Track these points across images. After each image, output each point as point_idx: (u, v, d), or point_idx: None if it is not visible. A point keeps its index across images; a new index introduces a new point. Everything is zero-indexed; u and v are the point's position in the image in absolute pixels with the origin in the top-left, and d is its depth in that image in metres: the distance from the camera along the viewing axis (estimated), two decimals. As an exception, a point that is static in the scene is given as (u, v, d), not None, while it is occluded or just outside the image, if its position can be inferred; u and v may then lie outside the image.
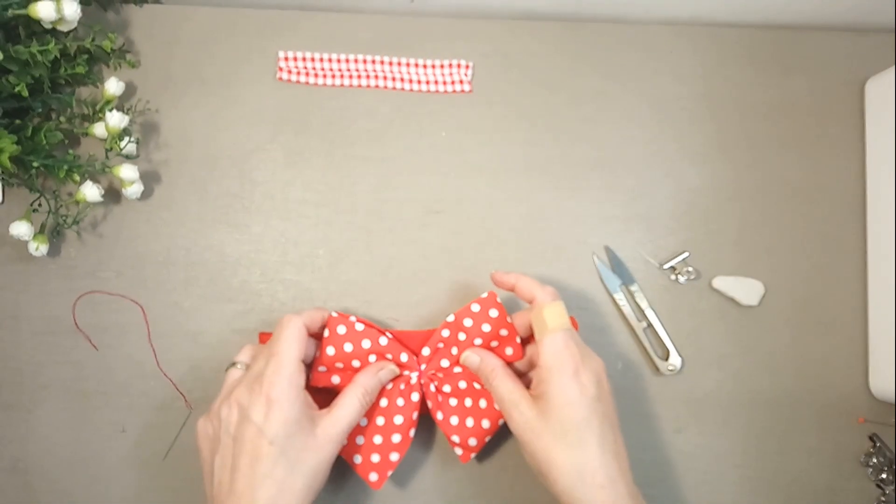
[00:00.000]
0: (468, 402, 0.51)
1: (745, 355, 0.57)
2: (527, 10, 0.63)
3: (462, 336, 0.50)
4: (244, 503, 0.42)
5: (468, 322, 0.50)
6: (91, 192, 0.53)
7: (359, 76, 0.58)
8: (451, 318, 0.51)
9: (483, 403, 0.50)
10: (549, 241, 0.58)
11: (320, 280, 0.56)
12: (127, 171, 0.54)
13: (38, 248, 0.54)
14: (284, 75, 0.58)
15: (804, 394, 0.57)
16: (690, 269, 0.57)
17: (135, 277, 0.56)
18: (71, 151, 0.55)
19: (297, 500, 0.43)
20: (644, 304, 0.56)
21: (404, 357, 0.50)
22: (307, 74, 0.58)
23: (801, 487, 0.55)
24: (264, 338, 0.54)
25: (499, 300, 0.51)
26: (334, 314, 0.49)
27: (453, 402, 0.51)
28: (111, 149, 0.54)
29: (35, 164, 0.52)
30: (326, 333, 0.49)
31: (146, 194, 0.57)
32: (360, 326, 0.49)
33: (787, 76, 0.61)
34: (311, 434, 0.44)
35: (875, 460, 0.55)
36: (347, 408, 0.46)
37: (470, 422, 0.50)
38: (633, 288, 0.57)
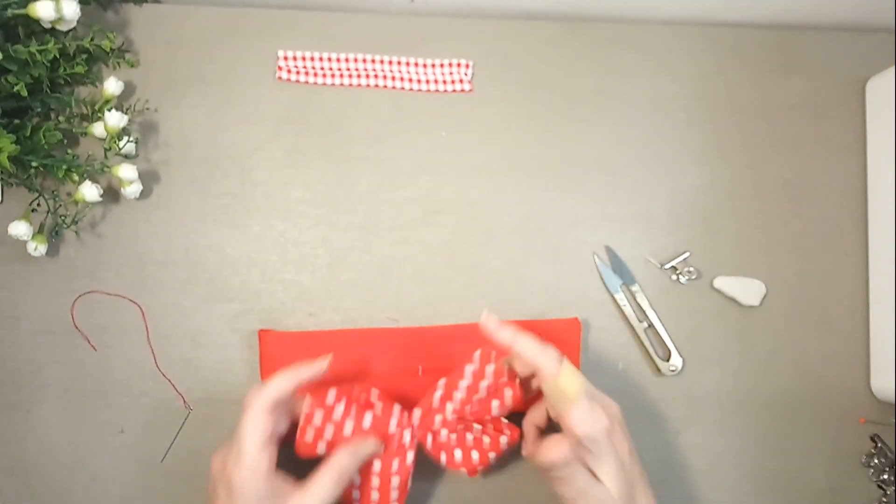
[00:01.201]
0: (469, 438, 0.49)
1: (746, 355, 0.57)
2: (526, 10, 0.63)
3: (458, 395, 0.48)
4: None
5: (464, 383, 0.48)
6: (90, 191, 0.53)
7: (358, 76, 0.58)
8: (441, 383, 0.49)
9: (487, 440, 0.49)
10: (550, 241, 0.58)
11: (320, 280, 0.56)
12: (126, 171, 0.53)
13: (37, 248, 0.53)
14: (284, 75, 0.58)
15: (805, 394, 0.57)
16: (691, 269, 0.57)
17: (134, 277, 0.56)
18: (70, 151, 0.55)
19: None
20: (645, 305, 0.56)
21: (394, 423, 0.47)
22: (307, 74, 0.58)
23: (801, 487, 0.55)
24: (263, 336, 0.53)
25: (493, 355, 0.48)
26: (307, 402, 0.46)
27: (453, 437, 0.49)
28: (110, 148, 0.54)
29: (34, 164, 0.52)
30: (302, 421, 0.46)
31: (145, 194, 0.56)
32: (339, 409, 0.46)
33: (788, 76, 0.61)
34: None
35: (876, 461, 0.55)
36: (320, 490, 0.44)
37: (475, 455, 0.49)
38: (634, 288, 0.57)
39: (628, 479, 0.44)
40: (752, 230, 0.59)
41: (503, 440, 0.49)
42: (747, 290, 0.57)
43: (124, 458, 0.54)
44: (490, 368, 0.48)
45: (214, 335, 0.55)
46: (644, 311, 0.56)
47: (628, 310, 0.56)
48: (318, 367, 0.47)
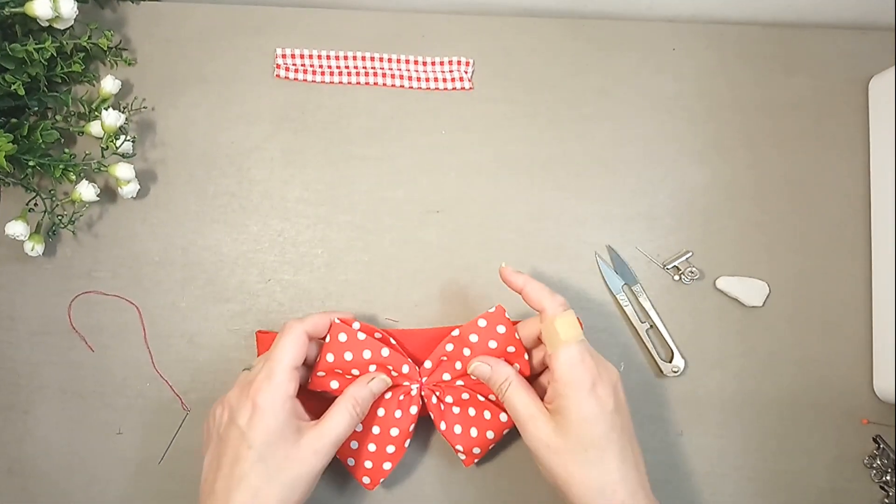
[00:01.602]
0: (472, 412, 0.50)
1: (749, 356, 0.56)
2: (528, 8, 0.63)
3: (467, 351, 0.49)
4: None
5: (474, 338, 0.48)
6: (87, 191, 0.53)
7: (357, 73, 0.58)
8: (455, 333, 0.49)
9: (487, 414, 0.50)
10: (551, 241, 0.57)
11: (319, 280, 0.56)
12: (123, 170, 0.53)
13: (34, 248, 0.53)
14: (282, 73, 0.58)
15: (808, 395, 0.56)
16: (693, 269, 0.57)
17: (131, 278, 0.55)
18: (67, 150, 0.55)
19: None
20: (647, 305, 0.56)
21: (406, 368, 0.49)
22: (305, 72, 0.58)
23: (803, 488, 0.55)
24: (261, 336, 0.53)
25: (507, 315, 0.49)
26: (337, 320, 0.49)
27: (456, 410, 0.50)
28: (107, 147, 0.53)
29: (31, 164, 0.52)
30: (328, 339, 0.48)
31: (142, 193, 0.56)
32: (361, 335, 0.48)
33: (790, 74, 0.61)
34: (294, 445, 0.44)
35: (878, 462, 0.55)
36: (336, 420, 0.45)
37: (474, 431, 0.49)
38: (636, 288, 0.56)
39: (598, 435, 0.43)
40: (755, 230, 0.58)
41: (503, 417, 0.50)
42: (750, 290, 0.57)
43: (122, 459, 0.53)
44: (501, 329, 0.48)
45: (212, 336, 0.55)
46: (646, 312, 0.56)
47: (630, 310, 0.56)
48: (348, 315, 0.50)
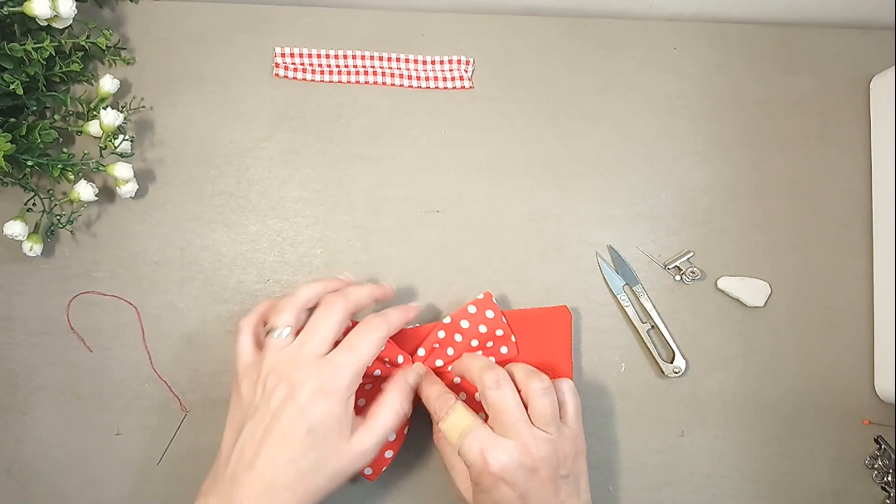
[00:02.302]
0: (463, 396, 0.51)
1: (751, 357, 0.56)
2: (528, 7, 0.62)
3: (458, 337, 0.50)
4: (260, 483, 0.41)
5: (465, 323, 0.50)
6: (85, 191, 0.53)
7: (356, 72, 0.58)
8: (447, 320, 0.51)
9: (479, 397, 0.50)
10: (551, 241, 0.57)
11: (318, 280, 0.56)
12: (121, 170, 0.53)
13: (33, 248, 0.53)
14: (281, 72, 0.58)
15: (809, 395, 0.56)
16: (695, 269, 0.56)
17: (129, 278, 0.55)
18: (65, 150, 0.55)
19: (310, 498, 0.41)
20: (648, 305, 0.56)
21: (400, 359, 0.50)
22: (304, 71, 0.58)
23: (805, 489, 0.55)
24: None
25: (494, 301, 0.51)
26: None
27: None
28: (105, 147, 0.53)
29: (29, 163, 0.52)
30: None
31: (141, 193, 0.56)
32: None
33: (792, 73, 0.61)
34: (346, 440, 0.43)
35: (880, 462, 0.55)
36: (384, 421, 0.45)
37: None
38: (637, 288, 0.56)
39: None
40: (757, 230, 0.58)
41: None
42: (752, 290, 0.56)
43: (121, 460, 0.53)
44: (490, 314, 0.50)
45: (211, 336, 0.55)
46: (647, 312, 0.56)
47: (631, 310, 0.56)
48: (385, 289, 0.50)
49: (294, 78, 0.58)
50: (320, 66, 0.58)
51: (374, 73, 0.58)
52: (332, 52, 0.58)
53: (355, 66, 0.58)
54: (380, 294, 0.49)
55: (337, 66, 0.58)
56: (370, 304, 0.48)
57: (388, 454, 0.50)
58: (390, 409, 0.45)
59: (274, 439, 0.41)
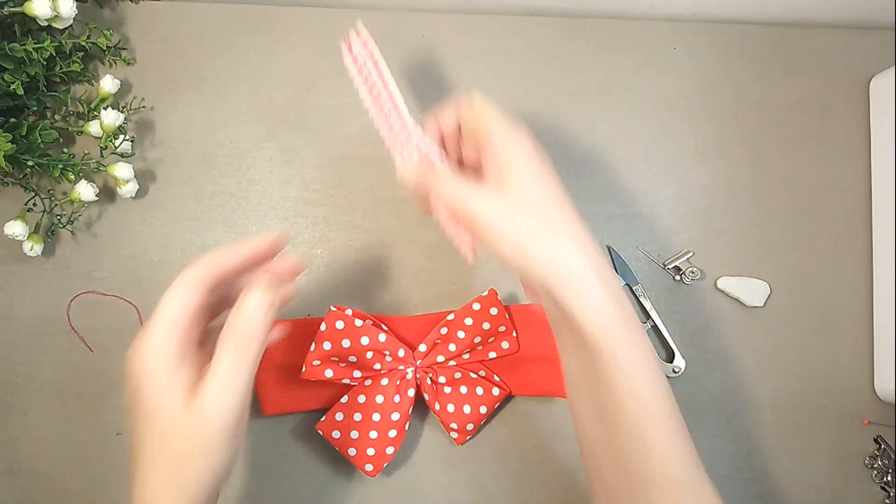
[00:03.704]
0: (463, 390, 0.51)
1: (750, 356, 0.56)
2: (528, 6, 0.63)
3: (461, 334, 0.51)
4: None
5: (468, 321, 0.51)
6: (86, 191, 0.53)
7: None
8: (451, 317, 0.51)
9: (479, 390, 0.51)
10: (551, 241, 0.57)
11: (318, 281, 0.56)
12: (122, 170, 0.53)
13: (33, 248, 0.53)
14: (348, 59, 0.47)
15: (809, 395, 0.56)
16: (695, 269, 0.56)
17: (130, 278, 0.55)
18: (66, 150, 0.55)
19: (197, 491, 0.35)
20: (648, 305, 0.56)
21: (402, 353, 0.50)
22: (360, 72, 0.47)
23: (805, 489, 0.55)
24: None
25: (499, 298, 0.51)
26: (333, 308, 0.49)
27: (448, 390, 0.51)
28: (106, 147, 0.53)
29: (30, 163, 0.52)
30: (324, 327, 0.49)
31: (141, 193, 0.56)
32: (359, 322, 0.49)
33: (792, 74, 0.61)
34: (182, 413, 0.35)
35: (879, 462, 0.55)
36: (223, 372, 0.36)
37: (467, 408, 0.51)
38: (637, 288, 0.56)
39: (561, 192, 0.38)
40: (756, 230, 0.58)
41: (495, 391, 0.51)
42: (751, 290, 0.56)
43: (121, 460, 0.53)
44: (493, 311, 0.50)
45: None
46: (647, 312, 0.56)
47: (630, 310, 0.56)
48: (262, 241, 0.40)
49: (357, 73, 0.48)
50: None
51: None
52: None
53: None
54: (247, 248, 0.40)
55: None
56: (238, 256, 0.40)
57: (389, 450, 0.50)
58: (227, 353, 0.36)
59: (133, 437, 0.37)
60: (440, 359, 0.51)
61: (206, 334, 0.40)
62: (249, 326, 0.37)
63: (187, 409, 0.35)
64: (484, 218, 0.36)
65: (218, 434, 0.35)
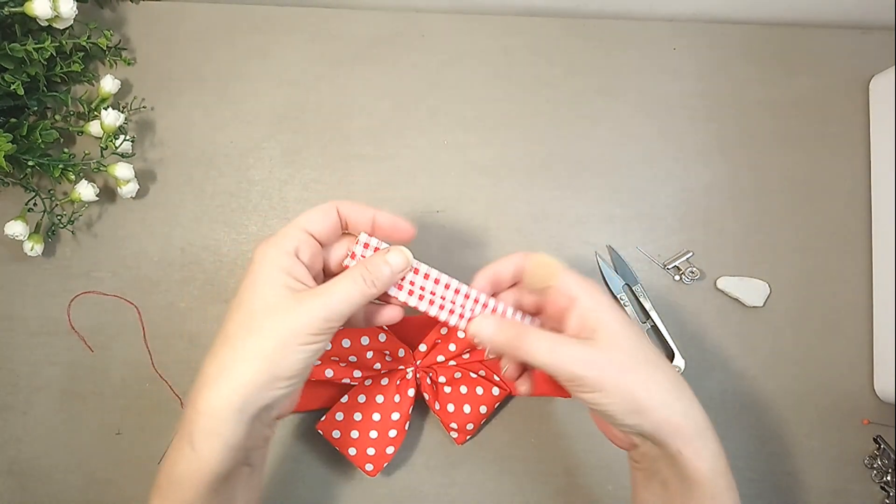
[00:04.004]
0: (463, 390, 0.51)
1: (750, 357, 0.56)
2: (528, 6, 0.63)
3: (461, 333, 0.51)
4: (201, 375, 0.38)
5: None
6: (86, 191, 0.53)
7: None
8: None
9: (479, 390, 0.51)
10: (551, 241, 0.57)
11: (318, 280, 0.56)
12: (122, 170, 0.53)
13: (34, 248, 0.53)
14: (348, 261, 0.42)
15: (808, 395, 0.56)
16: (694, 269, 0.56)
17: (130, 278, 0.55)
18: (66, 150, 0.55)
19: (272, 371, 0.36)
20: (648, 305, 0.56)
21: (402, 353, 0.50)
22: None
23: (804, 489, 0.55)
24: None
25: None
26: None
27: (448, 390, 0.51)
28: (106, 147, 0.53)
29: (30, 163, 0.52)
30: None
31: (141, 193, 0.56)
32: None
33: (791, 74, 0.61)
34: (287, 311, 0.37)
35: (879, 462, 0.55)
36: (342, 289, 0.38)
37: (467, 408, 0.51)
38: (637, 288, 0.56)
39: (645, 342, 0.39)
40: (756, 230, 0.58)
41: (495, 391, 0.51)
42: (751, 290, 0.56)
43: (121, 459, 0.53)
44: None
45: (212, 336, 0.54)
46: (647, 312, 0.56)
47: (631, 310, 0.56)
48: (399, 222, 0.42)
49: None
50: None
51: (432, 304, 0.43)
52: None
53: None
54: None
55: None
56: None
57: (390, 450, 0.50)
58: (353, 278, 0.38)
59: (229, 312, 0.38)
60: (440, 358, 0.51)
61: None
62: (381, 267, 0.39)
63: (300, 308, 0.36)
64: (586, 372, 0.37)
65: (315, 345, 0.37)
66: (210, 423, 0.36)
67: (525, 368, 0.44)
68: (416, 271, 0.42)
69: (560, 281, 0.40)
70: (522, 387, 0.44)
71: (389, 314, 0.43)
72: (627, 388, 0.37)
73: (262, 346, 0.36)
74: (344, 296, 0.37)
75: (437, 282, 0.42)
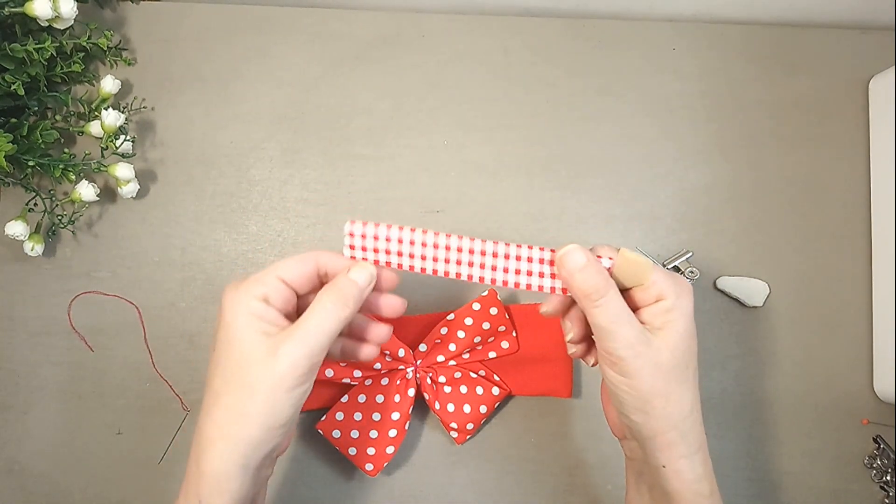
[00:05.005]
0: (463, 390, 0.51)
1: (749, 356, 0.56)
2: (528, 6, 0.63)
3: (461, 333, 0.51)
4: (198, 437, 0.38)
5: (468, 321, 0.51)
6: (86, 191, 0.53)
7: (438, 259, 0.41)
8: (451, 317, 0.51)
9: (479, 390, 0.51)
10: (551, 241, 0.57)
11: (319, 280, 0.56)
12: (122, 170, 0.53)
13: (34, 248, 0.53)
14: (347, 251, 0.41)
15: (808, 395, 0.56)
16: (694, 269, 0.56)
17: (130, 278, 0.55)
18: (66, 150, 0.55)
19: (258, 436, 0.36)
20: (646, 305, 0.56)
21: (402, 352, 0.50)
22: (377, 251, 0.41)
23: (804, 489, 0.55)
24: None
25: (499, 298, 0.51)
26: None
27: (448, 390, 0.51)
28: (107, 147, 0.53)
29: (31, 163, 0.52)
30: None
31: (142, 193, 0.56)
32: None
33: (791, 74, 0.61)
34: (265, 357, 0.36)
35: (879, 462, 0.55)
36: (317, 320, 0.37)
37: (467, 408, 0.51)
38: (635, 288, 0.56)
39: (693, 350, 0.40)
40: (756, 230, 0.58)
41: (495, 391, 0.52)
42: (750, 290, 0.57)
43: (122, 459, 0.53)
44: (493, 311, 0.51)
45: (212, 336, 0.55)
46: (646, 312, 0.56)
47: (630, 310, 0.56)
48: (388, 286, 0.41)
49: (364, 258, 0.41)
50: (399, 251, 0.41)
51: (459, 263, 0.41)
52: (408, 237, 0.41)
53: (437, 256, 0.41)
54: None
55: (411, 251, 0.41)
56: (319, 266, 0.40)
57: (390, 450, 0.50)
58: (324, 304, 0.37)
59: (210, 367, 0.38)
60: (440, 358, 0.51)
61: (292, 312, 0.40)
62: (350, 287, 0.38)
63: (279, 353, 0.36)
64: (631, 358, 0.37)
65: (301, 386, 0.36)
66: (217, 484, 0.36)
67: (586, 337, 0.42)
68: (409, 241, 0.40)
69: (651, 280, 0.39)
70: (591, 359, 0.43)
71: (367, 352, 0.42)
72: (652, 390, 0.38)
73: (252, 403, 0.36)
74: (319, 327, 0.37)
75: (436, 246, 0.40)
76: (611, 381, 0.39)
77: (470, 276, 0.40)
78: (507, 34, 0.60)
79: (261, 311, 0.37)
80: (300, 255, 0.39)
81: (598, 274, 0.37)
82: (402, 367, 0.51)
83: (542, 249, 0.39)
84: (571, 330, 0.42)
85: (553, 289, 0.39)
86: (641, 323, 0.39)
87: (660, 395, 0.38)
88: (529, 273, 0.39)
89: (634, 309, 0.39)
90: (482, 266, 0.39)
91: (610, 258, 0.38)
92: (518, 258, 0.39)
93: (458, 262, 0.40)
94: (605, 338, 0.38)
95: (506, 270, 0.39)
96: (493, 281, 0.39)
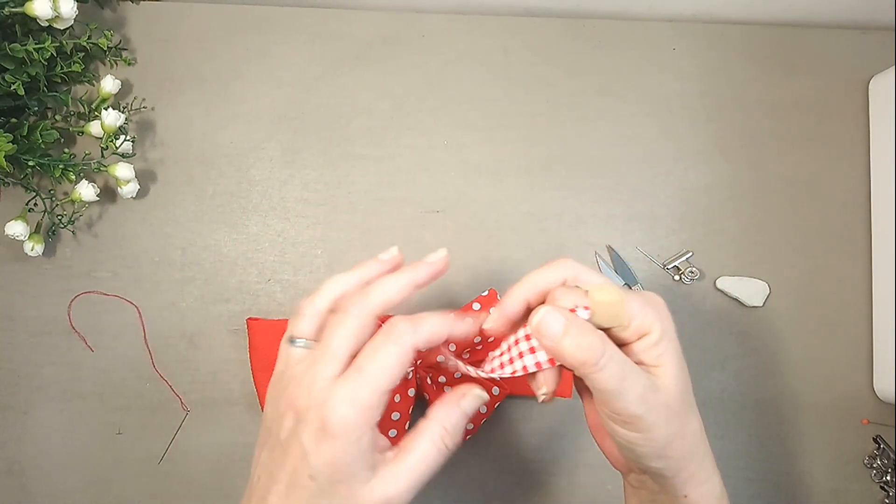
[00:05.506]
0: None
1: (749, 356, 0.56)
2: (528, 6, 0.63)
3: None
4: None
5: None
6: (86, 191, 0.53)
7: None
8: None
9: None
10: (551, 241, 0.57)
11: (318, 280, 0.56)
12: (122, 170, 0.53)
13: (34, 248, 0.53)
14: None
15: (808, 395, 0.56)
16: (694, 269, 0.56)
17: (130, 278, 0.55)
18: (67, 150, 0.55)
19: None
20: (646, 305, 0.56)
21: None
22: None
23: (804, 489, 0.55)
24: (252, 324, 0.53)
25: (499, 298, 0.51)
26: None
27: (448, 390, 0.51)
28: (107, 147, 0.53)
29: (31, 163, 0.52)
30: None
31: (142, 193, 0.56)
32: None
33: (791, 74, 0.61)
34: (364, 485, 0.33)
35: (879, 462, 0.55)
36: (418, 456, 0.34)
37: None
38: (636, 288, 0.56)
39: (689, 383, 0.37)
40: (756, 230, 0.58)
41: (495, 391, 0.52)
42: (750, 290, 0.57)
43: (122, 459, 0.53)
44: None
45: (212, 336, 0.55)
46: (646, 312, 0.56)
47: (630, 310, 0.56)
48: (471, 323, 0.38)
49: None
50: None
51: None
52: None
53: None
54: (424, 276, 0.39)
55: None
56: (407, 295, 0.38)
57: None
58: (427, 441, 0.34)
59: (282, 476, 0.35)
60: (440, 359, 0.51)
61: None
62: (460, 424, 0.36)
63: (374, 483, 0.33)
64: (647, 413, 0.34)
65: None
66: None
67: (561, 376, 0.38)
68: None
69: (629, 319, 0.35)
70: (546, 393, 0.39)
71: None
72: (670, 434, 0.35)
73: None
74: (424, 464, 0.34)
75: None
76: (623, 438, 0.35)
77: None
78: (507, 34, 0.60)
79: (375, 439, 0.34)
80: (398, 353, 0.34)
81: (587, 334, 0.34)
82: None
83: (527, 338, 0.36)
84: (544, 385, 0.37)
85: (539, 364, 0.36)
86: (639, 363, 0.36)
87: (676, 436, 0.36)
88: (521, 355, 0.37)
89: (619, 347, 0.36)
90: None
91: (585, 308, 0.34)
92: (503, 354, 0.38)
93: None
94: (612, 399, 0.34)
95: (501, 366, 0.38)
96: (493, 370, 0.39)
